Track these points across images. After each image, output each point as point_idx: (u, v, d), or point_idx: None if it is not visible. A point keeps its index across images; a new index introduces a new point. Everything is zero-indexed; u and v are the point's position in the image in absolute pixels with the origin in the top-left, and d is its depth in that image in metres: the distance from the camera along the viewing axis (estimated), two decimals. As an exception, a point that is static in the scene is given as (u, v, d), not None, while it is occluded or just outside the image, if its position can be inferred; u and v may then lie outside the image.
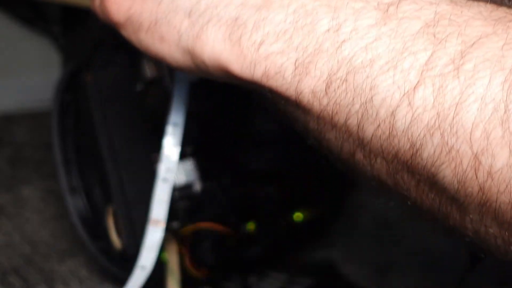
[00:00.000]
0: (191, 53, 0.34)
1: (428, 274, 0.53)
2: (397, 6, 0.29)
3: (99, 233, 0.49)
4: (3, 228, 0.58)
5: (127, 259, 0.49)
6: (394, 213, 0.61)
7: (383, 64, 0.28)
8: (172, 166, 0.44)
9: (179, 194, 0.50)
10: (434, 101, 0.27)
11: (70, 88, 0.51)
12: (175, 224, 0.49)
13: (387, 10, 0.29)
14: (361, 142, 0.30)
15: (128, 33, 0.38)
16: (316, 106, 0.30)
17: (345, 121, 0.30)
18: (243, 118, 0.51)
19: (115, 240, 0.48)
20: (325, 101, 0.30)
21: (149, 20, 0.36)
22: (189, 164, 0.51)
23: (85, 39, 0.58)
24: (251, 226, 0.51)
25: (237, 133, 0.51)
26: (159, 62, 0.51)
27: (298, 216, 0.53)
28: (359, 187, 0.57)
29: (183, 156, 0.51)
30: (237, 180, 0.51)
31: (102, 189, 0.49)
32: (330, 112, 0.30)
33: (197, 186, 0.51)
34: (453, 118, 0.26)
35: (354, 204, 0.59)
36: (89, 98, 0.48)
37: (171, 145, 0.45)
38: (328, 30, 0.30)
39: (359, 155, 0.30)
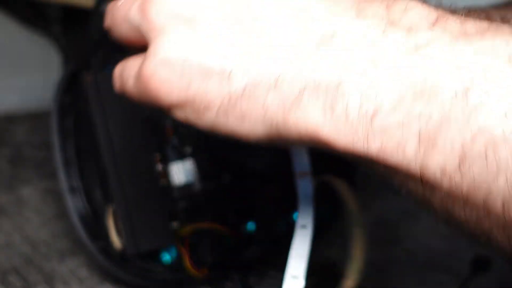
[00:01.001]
0: (279, 128, 0.30)
1: (428, 274, 0.53)
2: None
3: (99, 233, 0.49)
4: (3, 228, 0.58)
5: (127, 259, 0.49)
6: (394, 213, 0.61)
7: None
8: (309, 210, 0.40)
9: (179, 194, 0.50)
10: None
11: (70, 89, 0.51)
12: (175, 224, 0.49)
13: None
14: (505, 222, 0.25)
15: (186, 114, 0.32)
16: (445, 184, 0.26)
17: (485, 200, 0.25)
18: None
19: (115, 240, 0.48)
20: (458, 178, 0.25)
21: (221, 98, 0.30)
22: (189, 164, 0.51)
23: (85, 39, 0.58)
24: (251, 226, 0.51)
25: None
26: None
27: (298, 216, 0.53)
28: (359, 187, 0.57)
29: (183, 156, 0.51)
30: (237, 180, 0.51)
31: (102, 189, 0.49)
32: (465, 191, 0.25)
33: (197, 186, 0.51)
34: None
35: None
36: (89, 98, 0.48)
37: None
38: (455, 93, 0.25)
39: (499, 234, 0.26)
